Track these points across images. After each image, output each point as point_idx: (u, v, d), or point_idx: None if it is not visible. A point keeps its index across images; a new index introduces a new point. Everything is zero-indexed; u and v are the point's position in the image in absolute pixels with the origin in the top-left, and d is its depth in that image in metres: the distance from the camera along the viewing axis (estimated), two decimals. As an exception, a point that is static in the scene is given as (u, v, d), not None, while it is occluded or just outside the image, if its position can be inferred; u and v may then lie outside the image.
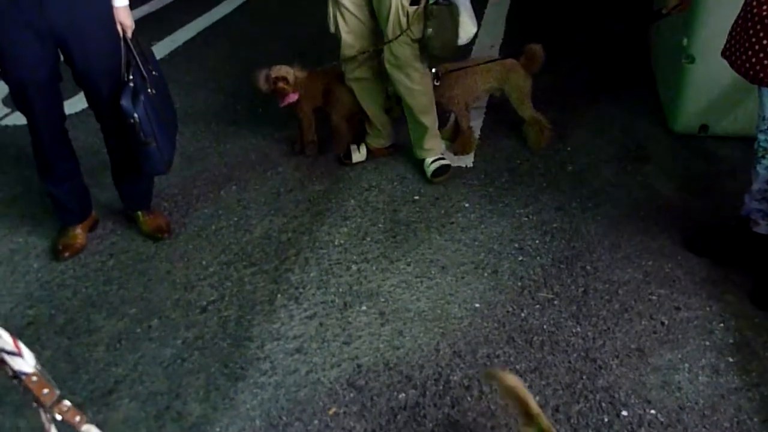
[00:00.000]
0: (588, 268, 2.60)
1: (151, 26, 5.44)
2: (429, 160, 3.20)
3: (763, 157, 2.35)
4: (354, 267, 2.67)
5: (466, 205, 3.01)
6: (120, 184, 2.88)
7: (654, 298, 2.44)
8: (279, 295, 2.54)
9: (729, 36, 2.26)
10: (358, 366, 2.21)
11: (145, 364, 2.27)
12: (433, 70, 3.14)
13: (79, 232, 2.84)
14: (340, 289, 2.56)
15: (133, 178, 2.81)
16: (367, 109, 3.26)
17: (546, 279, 2.56)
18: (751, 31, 2.09)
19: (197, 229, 2.94)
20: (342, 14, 2.91)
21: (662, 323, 2.32)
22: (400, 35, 2.82)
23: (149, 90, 2.49)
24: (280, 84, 3.14)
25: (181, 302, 2.53)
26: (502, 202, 3.02)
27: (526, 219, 2.90)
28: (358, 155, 3.37)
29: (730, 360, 2.16)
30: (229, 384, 2.17)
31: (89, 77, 2.46)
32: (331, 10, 2.96)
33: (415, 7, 2.77)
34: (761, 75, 2.09)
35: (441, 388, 2.12)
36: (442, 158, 3.21)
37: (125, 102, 2.39)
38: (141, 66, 2.48)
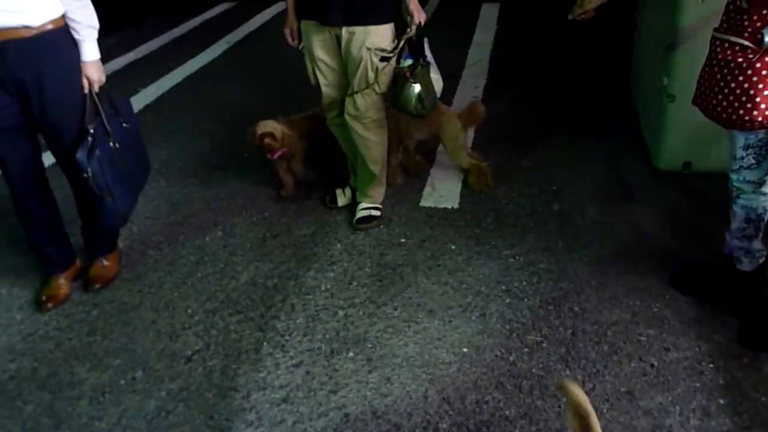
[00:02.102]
0: (576, 309, 2.59)
1: (137, 72, 5.45)
2: (364, 205, 3.24)
3: (738, 197, 2.37)
4: (341, 312, 2.65)
5: (453, 247, 3.01)
6: (85, 231, 2.89)
7: (643, 339, 2.42)
8: (265, 343, 2.51)
9: (698, 84, 2.27)
10: (346, 415, 2.18)
11: (128, 418, 2.22)
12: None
13: (62, 282, 2.82)
14: (327, 336, 2.53)
15: (95, 226, 2.82)
16: (349, 153, 3.29)
17: (534, 321, 2.54)
18: (718, 76, 2.09)
19: (183, 277, 2.92)
20: (319, 68, 2.96)
21: (652, 365, 2.30)
22: (365, 88, 2.87)
23: (112, 144, 2.50)
24: (267, 140, 3.18)
25: (166, 352, 2.50)
26: (489, 244, 3.02)
27: (513, 260, 2.89)
28: (344, 199, 3.37)
29: (721, 402, 2.14)
30: (215, 437, 2.13)
31: (44, 126, 2.47)
32: (309, 65, 3.01)
33: (385, 63, 2.84)
34: (734, 117, 2.09)
35: (430, 436, 2.08)
36: (377, 209, 3.26)
37: (80, 156, 2.40)
38: (105, 119, 2.49)
